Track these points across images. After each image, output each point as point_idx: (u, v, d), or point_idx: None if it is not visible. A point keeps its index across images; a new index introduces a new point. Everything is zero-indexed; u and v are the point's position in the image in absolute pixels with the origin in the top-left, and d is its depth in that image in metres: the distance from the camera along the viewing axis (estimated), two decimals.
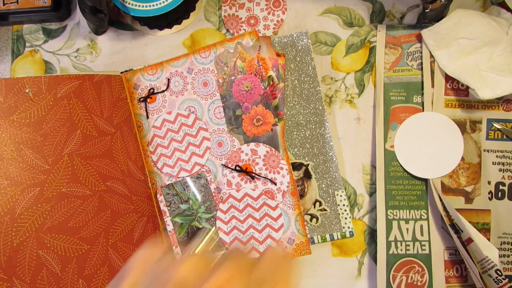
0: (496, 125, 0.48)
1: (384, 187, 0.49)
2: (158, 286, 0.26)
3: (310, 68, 0.51)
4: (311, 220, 0.50)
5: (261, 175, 0.48)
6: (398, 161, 0.49)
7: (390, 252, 0.48)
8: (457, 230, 0.47)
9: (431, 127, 0.49)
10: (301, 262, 0.51)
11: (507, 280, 0.44)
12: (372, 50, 0.51)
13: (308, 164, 0.50)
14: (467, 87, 0.48)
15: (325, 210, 0.50)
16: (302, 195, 0.50)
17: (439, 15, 0.49)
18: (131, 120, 0.51)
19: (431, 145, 0.49)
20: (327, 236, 0.49)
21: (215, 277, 0.26)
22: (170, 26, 0.54)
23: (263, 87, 0.48)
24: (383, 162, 0.49)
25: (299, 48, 0.51)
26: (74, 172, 0.44)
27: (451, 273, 0.48)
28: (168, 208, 0.50)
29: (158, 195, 0.51)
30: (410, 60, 0.50)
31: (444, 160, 0.48)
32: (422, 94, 0.49)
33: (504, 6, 0.48)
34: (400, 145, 0.49)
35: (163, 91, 0.51)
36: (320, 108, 0.50)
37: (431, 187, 0.48)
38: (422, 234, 0.48)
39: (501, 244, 0.47)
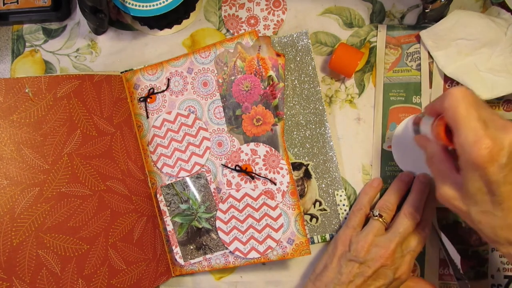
0: None
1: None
2: None
3: (310, 68, 0.51)
4: (311, 220, 0.50)
5: (261, 175, 0.48)
6: (394, 161, 0.49)
7: None
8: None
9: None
10: (301, 263, 0.51)
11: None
12: (372, 50, 0.51)
13: (308, 164, 0.50)
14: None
15: (325, 210, 0.50)
16: (302, 195, 0.50)
17: (439, 15, 0.49)
18: (131, 120, 0.51)
19: None
20: (327, 236, 0.49)
21: None
22: (170, 26, 0.54)
23: (263, 87, 0.48)
24: (379, 161, 0.49)
25: (299, 48, 0.51)
26: (74, 172, 0.44)
27: (446, 271, 0.48)
28: (168, 208, 0.50)
29: (158, 195, 0.51)
30: (409, 61, 0.50)
31: None
32: (421, 94, 0.49)
33: (504, 6, 0.48)
34: (396, 145, 0.49)
35: (163, 91, 0.51)
36: (320, 108, 0.50)
37: None
38: None
39: None
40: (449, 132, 0.36)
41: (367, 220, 0.47)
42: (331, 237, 0.49)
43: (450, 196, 0.36)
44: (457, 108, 0.34)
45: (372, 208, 0.48)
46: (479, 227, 0.35)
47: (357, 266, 0.43)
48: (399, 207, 0.46)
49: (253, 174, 0.48)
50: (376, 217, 0.45)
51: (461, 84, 0.48)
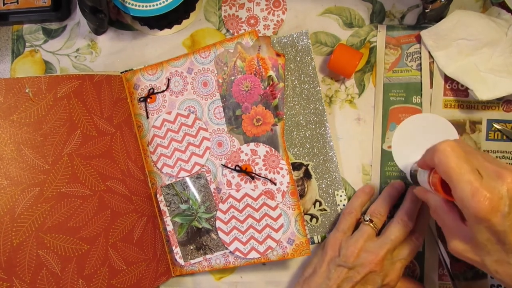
0: (496, 126, 0.48)
1: (379, 186, 0.49)
2: None
3: (310, 68, 0.51)
4: (311, 220, 0.50)
5: (261, 175, 0.48)
6: (394, 161, 0.49)
7: None
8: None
9: (428, 128, 0.49)
10: (301, 263, 0.51)
11: None
12: (372, 50, 0.51)
13: (308, 164, 0.50)
14: (467, 88, 0.49)
15: (325, 210, 0.50)
16: (302, 195, 0.50)
17: (439, 15, 0.49)
18: (131, 120, 0.51)
19: (427, 145, 0.49)
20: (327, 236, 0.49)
21: None
22: (170, 26, 0.54)
23: (263, 87, 0.48)
24: (379, 162, 0.49)
25: (299, 48, 0.51)
26: (74, 172, 0.44)
27: (446, 272, 0.48)
28: (168, 208, 0.50)
29: (158, 195, 0.51)
30: (409, 61, 0.50)
31: None
32: (421, 94, 0.49)
33: (504, 6, 0.48)
34: (397, 145, 0.49)
35: (163, 91, 0.51)
36: (320, 108, 0.50)
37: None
38: None
39: None
40: (446, 184, 0.35)
41: (357, 225, 0.47)
42: None
43: (462, 249, 0.36)
44: (448, 164, 0.33)
45: (363, 213, 0.47)
46: (497, 277, 0.34)
47: (346, 271, 0.43)
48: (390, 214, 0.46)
49: (253, 174, 0.48)
50: (367, 222, 0.45)
51: (462, 85, 0.49)
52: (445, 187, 0.36)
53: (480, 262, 0.35)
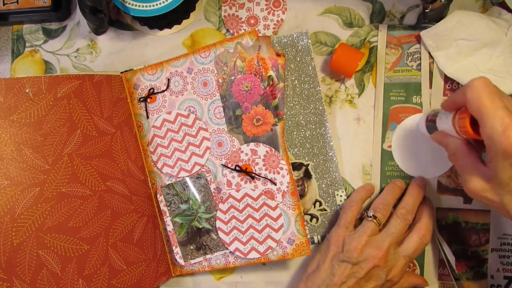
0: None
1: (379, 186, 0.49)
2: None
3: (310, 68, 0.51)
4: (311, 220, 0.50)
5: (261, 175, 0.48)
6: (394, 161, 0.49)
7: None
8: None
9: None
10: (301, 263, 0.51)
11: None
12: (372, 50, 0.51)
13: (308, 164, 0.50)
14: None
15: (325, 210, 0.50)
16: (302, 195, 0.50)
17: (439, 15, 0.49)
18: (131, 120, 0.51)
19: (427, 145, 0.49)
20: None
21: None
22: (170, 26, 0.54)
23: (263, 87, 0.48)
24: (379, 161, 0.49)
25: (299, 48, 0.51)
26: (74, 172, 0.44)
27: (445, 271, 0.48)
28: (168, 208, 0.51)
29: (158, 195, 0.51)
30: (410, 61, 0.50)
31: (440, 160, 0.48)
32: (421, 94, 0.49)
33: (504, 6, 0.48)
34: (396, 145, 0.49)
35: (163, 91, 0.51)
36: (320, 108, 0.50)
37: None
38: None
39: (501, 245, 0.47)
40: (472, 124, 0.36)
41: (359, 220, 0.47)
42: None
43: (480, 188, 0.36)
44: (481, 99, 0.33)
45: (366, 209, 0.47)
46: None
47: (350, 267, 0.43)
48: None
49: (253, 174, 0.48)
50: (371, 218, 0.45)
51: (461, 85, 0.48)
52: (472, 127, 0.36)
53: (498, 202, 0.35)
